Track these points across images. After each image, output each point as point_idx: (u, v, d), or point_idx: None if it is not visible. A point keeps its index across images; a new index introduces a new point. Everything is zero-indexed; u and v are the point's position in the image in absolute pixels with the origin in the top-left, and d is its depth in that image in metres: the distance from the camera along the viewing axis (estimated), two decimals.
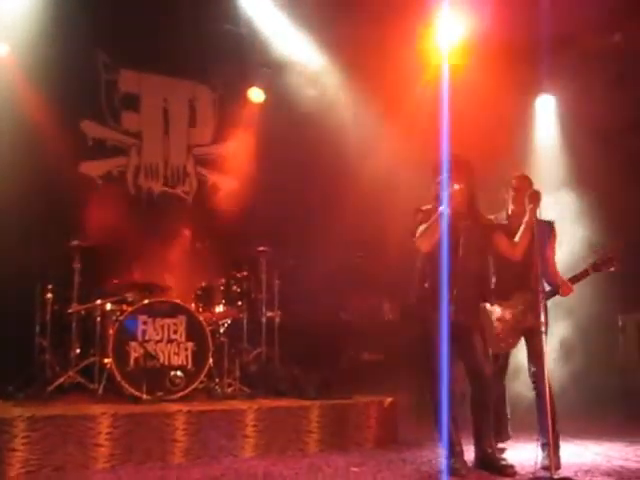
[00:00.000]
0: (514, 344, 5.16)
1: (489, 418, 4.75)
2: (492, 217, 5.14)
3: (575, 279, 5.10)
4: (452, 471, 4.50)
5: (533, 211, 4.77)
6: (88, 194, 7.46)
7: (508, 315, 5.14)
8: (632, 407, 7.35)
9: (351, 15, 7.43)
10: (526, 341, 5.11)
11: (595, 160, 7.76)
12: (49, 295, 6.45)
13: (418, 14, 7.21)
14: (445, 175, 4.64)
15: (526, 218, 4.82)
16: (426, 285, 4.70)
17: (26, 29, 7.05)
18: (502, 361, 5.26)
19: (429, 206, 4.80)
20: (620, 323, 8.17)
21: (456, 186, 4.69)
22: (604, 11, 6.54)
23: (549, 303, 5.11)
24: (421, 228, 4.71)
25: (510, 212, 5.24)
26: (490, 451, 4.69)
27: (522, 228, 4.83)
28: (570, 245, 6.46)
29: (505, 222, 5.18)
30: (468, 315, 4.71)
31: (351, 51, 7.90)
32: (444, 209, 4.59)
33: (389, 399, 5.79)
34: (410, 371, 6.63)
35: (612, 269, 5.04)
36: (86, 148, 7.96)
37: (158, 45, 7.76)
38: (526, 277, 4.96)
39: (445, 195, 4.61)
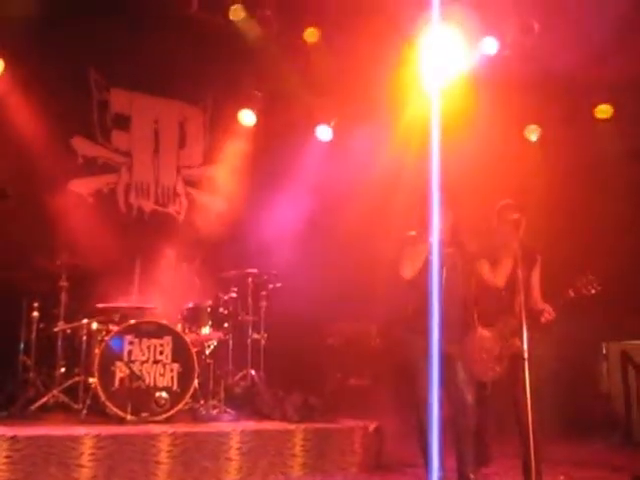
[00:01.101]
0: (501, 371, 5.18)
1: (471, 444, 4.76)
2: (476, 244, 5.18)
3: (557, 303, 5.15)
4: None
5: (515, 238, 4.82)
6: (78, 211, 7.48)
7: (494, 342, 5.18)
8: (616, 435, 7.38)
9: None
10: (511, 367, 5.15)
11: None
12: (35, 313, 6.44)
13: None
14: (434, 202, 4.68)
15: (508, 245, 4.87)
16: (409, 311, 4.73)
17: (21, 46, 7.09)
18: (489, 388, 5.28)
19: (413, 233, 4.85)
20: (604, 351, 8.21)
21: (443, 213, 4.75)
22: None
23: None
24: (405, 257, 4.76)
25: (496, 239, 5.30)
26: (472, 477, 4.70)
27: (504, 255, 4.89)
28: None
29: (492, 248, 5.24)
30: (452, 342, 4.73)
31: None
32: (433, 239, 4.63)
33: (374, 424, 5.80)
34: (395, 397, 6.64)
35: (593, 291, 5.06)
36: (76, 165, 7.96)
37: (150, 65, 7.82)
38: (510, 303, 5.04)
39: (434, 223, 4.65)
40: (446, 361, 4.63)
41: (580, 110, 7.96)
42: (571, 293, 5.09)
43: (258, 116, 8.60)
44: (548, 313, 5.08)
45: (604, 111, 8.15)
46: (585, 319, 7.65)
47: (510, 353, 5.11)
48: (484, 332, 5.18)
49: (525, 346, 4.58)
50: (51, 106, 7.32)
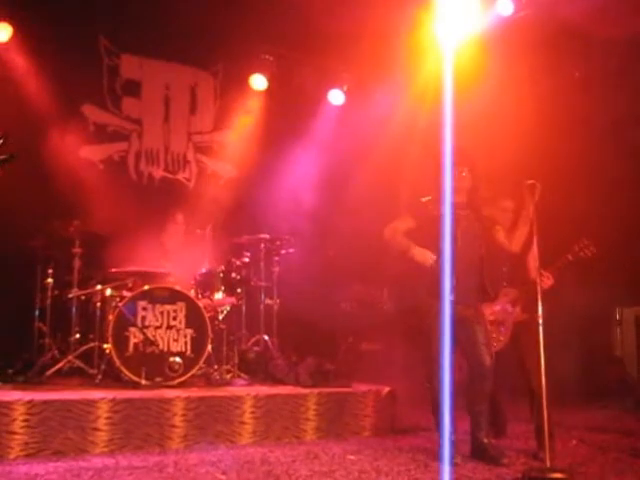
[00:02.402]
0: (505, 342, 5.22)
1: (486, 408, 4.78)
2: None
3: (555, 267, 5.13)
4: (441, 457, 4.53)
5: (531, 203, 4.77)
6: (89, 178, 7.49)
7: (497, 311, 5.19)
8: (629, 399, 7.38)
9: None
10: (517, 336, 5.16)
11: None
12: (49, 280, 6.50)
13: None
14: (448, 163, 4.64)
15: (524, 211, 4.82)
16: (426, 275, 4.70)
17: (29, 13, 7.03)
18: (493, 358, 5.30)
19: (428, 198, 4.81)
20: (617, 316, 8.19)
21: (464, 173, 4.72)
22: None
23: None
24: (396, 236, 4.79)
25: (508, 205, 5.28)
26: (486, 441, 4.72)
27: (520, 221, 4.84)
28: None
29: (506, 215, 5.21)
30: (469, 304, 4.74)
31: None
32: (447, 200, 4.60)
33: (387, 388, 5.82)
34: (408, 361, 6.66)
35: (590, 254, 5.05)
36: (87, 132, 7.96)
37: (160, 30, 7.74)
38: (512, 273, 5.08)
39: (449, 185, 4.62)
40: (464, 324, 4.65)
41: (593, 70, 7.81)
42: (569, 257, 5.10)
43: (270, 81, 8.52)
44: (546, 278, 5.06)
45: None
46: (599, 285, 7.62)
47: (513, 322, 5.19)
48: (488, 303, 5.17)
49: (540, 311, 4.54)
50: (61, 73, 7.29)
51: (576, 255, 5.09)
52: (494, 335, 5.19)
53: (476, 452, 4.72)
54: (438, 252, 4.60)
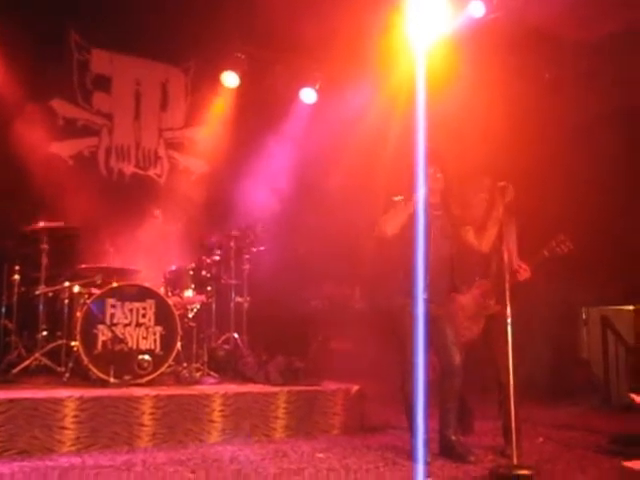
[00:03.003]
0: (477, 333, 5.26)
1: (455, 406, 4.82)
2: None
3: (532, 262, 5.19)
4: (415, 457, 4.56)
5: (501, 205, 4.83)
6: (58, 174, 7.40)
7: (469, 303, 5.24)
8: (595, 398, 7.49)
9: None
10: (488, 329, 5.20)
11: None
12: (16, 276, 6.40)
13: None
14: (421, 164, 4.68)
15: (494, 212, 4.88)
16: (400, 275, 4.73)
17: None
18: (464, 350, 5.35)
19: (400, 197, 4.83)
20: (584, 316, 8.30)
21: (438, 174, 4.77)
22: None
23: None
24: (387, 215, 4.77)
25: (478, 203, 5.33)
26: (454, 438, 4.76)
27: (490, 222, 4.89)
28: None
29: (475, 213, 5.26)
30: (440, 303, 4.80)
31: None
32: (419, 197, 4.63)
33: (356, 387, 5.84)
34: (378, 359, 6.68)
35: (566, 250, 5.10)
36: (57, 127, 7.88)
37: (131, 25, 7.68)
38: (486, 265, 5.13)
39: (421, 184, 4.66)
40: (435, 323, 4.69)
41: (564, 72, 7.91)
42: (545, 253, 5.16)
43: (242, 78, 8.49)
44: (524, 270, 5.12)
45: None
46: (565, 284, 7.72)
47: (486, 314, 5.22)
48: (460, 294, 5.24)
49: (508, 310, 4.59)
50: (30, 68, 7.20)
51: (552, 251, 5.13)
52: (465, 325, 5.25)
53: (444, 449, 4.76)
54: (412, 250, 4.64)
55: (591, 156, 7.64)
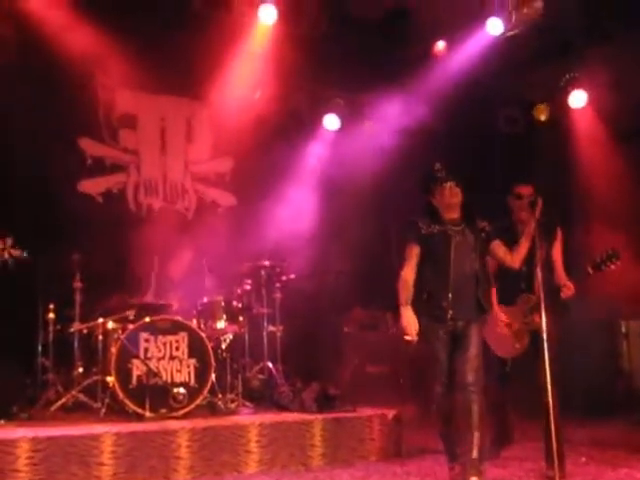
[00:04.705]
0: (522, 348, 5.21)
1: (473, 430, 4.51)
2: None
3: (577, 280, 5.10)
4: None
5: (532, 218, 4.77)
6: (89, 212, 7.51)
7: (513, 318, 5.18)
8: (636, 413, 7.31)
9: None
10: (532, 344, 5.11)
11: None
12: (51, 315, 6.49)
13: None
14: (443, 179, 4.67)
15: (527, 227, 4.82)
16: (424, 296, 4.68)
17: (27, 49, 7.10)
18: (509, 365, 5.28)
19: (416, 219, 4.79)
20: (623, 329, 8.15)
21: (455, 189, 4.71)
22: None
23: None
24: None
25: (513, 219, 5.31)
26: (450, 465, 4.60)
27: (522, 237, 4.83)
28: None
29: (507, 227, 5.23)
30: (468, 319, 4.67)
31: None
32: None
33: (392, 412, 5.78)
34: (414, 383, 6.60)
35: (613, 267, 4.99)
36: (85, 166, 7.99)
37: (154, 65, 7.78)
38: (530, 279, 5.06)
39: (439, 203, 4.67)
40: (460, 341, 4.62)
41: None
42: (590, 270, 5.04)
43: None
44: (568, 289, 5.04)
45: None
46: (604, 297, 7.58)
47: (530, 330, 5.14)
48: (502, 309, 5.23)
49: (544, 325, 4.51)
50: (57, 108, 7.33)
51: (597, 268, 5.00)
52: (508, 341, 5.21)
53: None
54: (433, 271, 4.60)
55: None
